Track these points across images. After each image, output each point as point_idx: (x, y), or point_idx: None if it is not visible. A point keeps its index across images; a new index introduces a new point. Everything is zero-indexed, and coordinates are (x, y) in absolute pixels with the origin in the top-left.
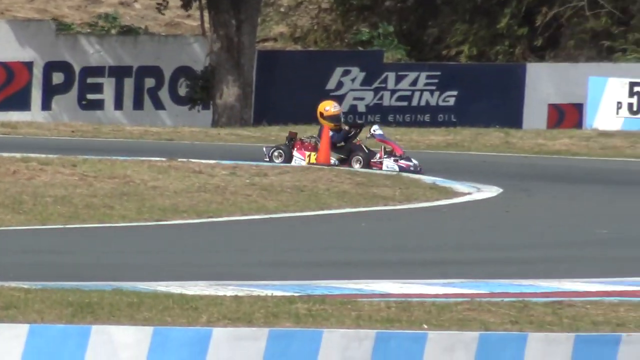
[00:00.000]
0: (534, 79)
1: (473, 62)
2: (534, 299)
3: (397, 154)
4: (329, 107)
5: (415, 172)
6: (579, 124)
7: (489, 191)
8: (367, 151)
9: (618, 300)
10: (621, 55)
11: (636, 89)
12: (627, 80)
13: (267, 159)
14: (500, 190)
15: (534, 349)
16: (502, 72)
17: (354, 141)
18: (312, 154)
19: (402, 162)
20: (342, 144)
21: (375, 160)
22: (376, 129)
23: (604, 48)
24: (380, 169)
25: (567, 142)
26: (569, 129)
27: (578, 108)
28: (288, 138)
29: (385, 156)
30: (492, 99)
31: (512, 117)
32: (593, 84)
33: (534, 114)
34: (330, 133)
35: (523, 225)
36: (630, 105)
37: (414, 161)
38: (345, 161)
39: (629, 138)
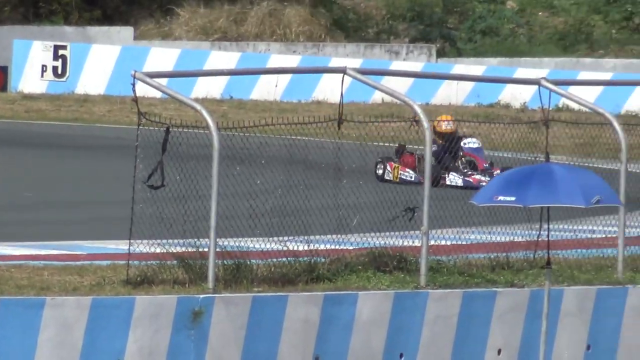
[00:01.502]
0: None
1: None
2: None
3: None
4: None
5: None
6: (4, 86)
7: None
8: None
9: (42, 264)
10: (46, 19)
11: (61, 52)
12: (51, 44)
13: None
14: None
15: None
16: None
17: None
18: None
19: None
20: None
21: None
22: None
23: (30, 11)
24: None
25: None
26: None
27: (3, 70)
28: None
29: None
30: None
31: None
32: (18, 46)
33: None
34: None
35: None
36: (55, 68)
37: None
38: None
39: (54, 101)
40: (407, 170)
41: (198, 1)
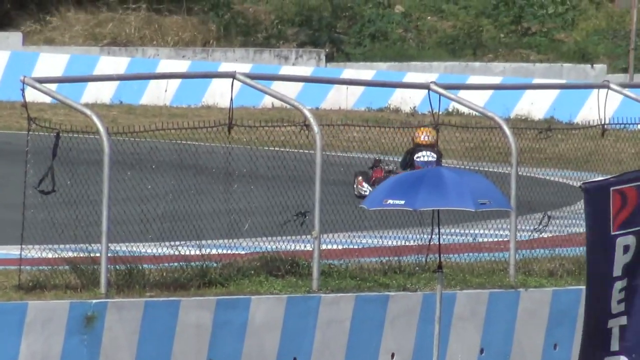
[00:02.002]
0: None
1: None
2: None
3: None
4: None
5: None
6: None
7: None
8: None
9: None
10: None
11: None
12: None
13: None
14: None
15: None
16: None
17: None
18: None
19: None
20: None
21: None
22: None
23: None
24: None
25: None
26: None
27: None
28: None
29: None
30: None
31: None
32: None
33: None
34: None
35: None
36: None
37: None
38: None
39: None
40: (363, 184)
41: (78, 7)
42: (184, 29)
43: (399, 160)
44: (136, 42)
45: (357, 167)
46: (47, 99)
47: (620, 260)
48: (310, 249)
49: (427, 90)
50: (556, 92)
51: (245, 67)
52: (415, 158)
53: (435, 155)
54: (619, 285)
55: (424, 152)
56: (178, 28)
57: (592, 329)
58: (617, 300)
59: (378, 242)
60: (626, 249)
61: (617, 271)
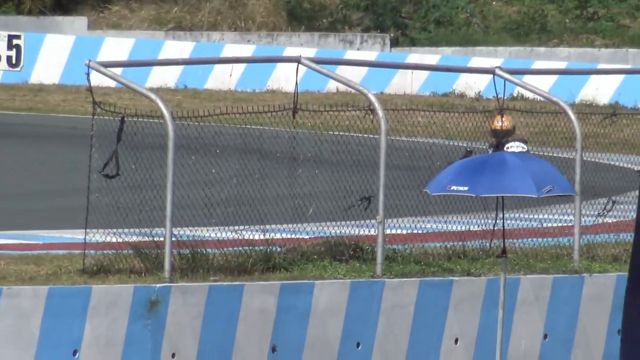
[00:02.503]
0: None
1: None
2: None
3: None
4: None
5: None
6: None
7: None
8: None
9: None
10: (7, 8)
11: (15, 41)
12: (5, 33)
13: None
14: None
15: None
16: None
17: None
18: None
19: None
20: None
21: None
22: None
23: None
24: None
25: None
26: None
27: None
28: None
29: None
30: None
31: None
32: None
33: None
34: None
35: None
36: (9, 58)
37: None
38: None
39: (8, 91)
40: None
41: None
42: (261, 13)
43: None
44: (205, 27)
45: (421, 152)
46: (112, 83)
47: None
48: (374, 234)
49: (492, 75)
50: (621, 77)
51: (310, 52)
52: (505, 148)
53: (525, 147)
54: None
55: (513, 143)
56: (259, 14)
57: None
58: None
59: (442, 227)
60: None
61: None
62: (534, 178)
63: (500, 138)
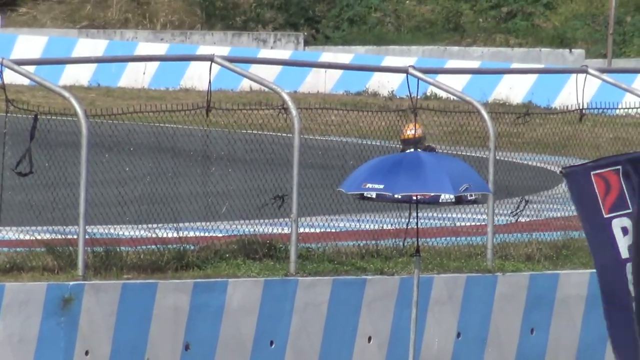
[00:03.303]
0: None
1: None
2: None
3: None
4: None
5: None
6: None
7: None
8: None
9: None
10: None
11: None
12: None
13: None
14: None
15: None
16: None
17: None
18: None
19: None
20: None
21: None
22: None
23: None
24: None
25: None
26: None
27: None
28: None
29: None
30: None
31: None
32: None
33: None
34: None
35: None
36: None
37: None
38: None
39: None
40: None
41: None
42: (169, 12)
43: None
44: (116, 25)
45: (335, 151)
46: (26, 81)
47: (623, 242)
48: (288, 232)
49: (405, 74)
50: (534, 76)
51: (223, 51)
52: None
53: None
54: (629, 267)
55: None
56: (165, 12)
57: (617, 316)
58: (632, 283)
59: (355, 225)
60: (625, 230)
61: (624, 253)
62: (450, 177)
63: (410, 146)
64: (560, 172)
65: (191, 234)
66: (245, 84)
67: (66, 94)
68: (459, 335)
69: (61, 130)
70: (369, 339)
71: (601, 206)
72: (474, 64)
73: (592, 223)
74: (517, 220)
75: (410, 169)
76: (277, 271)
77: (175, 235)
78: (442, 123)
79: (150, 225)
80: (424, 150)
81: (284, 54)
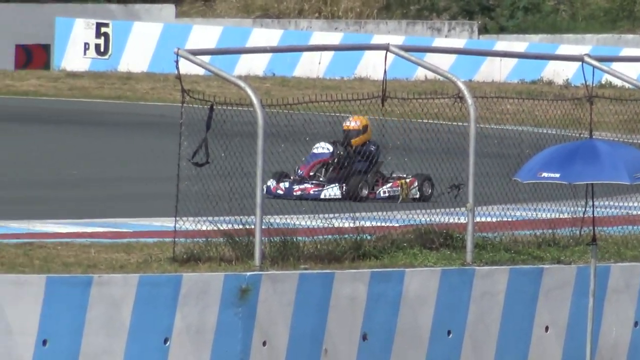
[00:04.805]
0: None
1: None
2: (4, 241)
3: None
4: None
5: None
6: (47, 64)
7: None
8: None
9: (89, 241)
10: None
11: (103, 29)
12: (94, 21)
13: None
14: None
15: (4, 291)
16: None
17: None
18: None
19: None
20: None
21: None
22: None
23: None
24: None
25: (35, 83)
26: (37, 70)
27: (46, 49)
28: None
29: None
30: None
31: None
32: (60, 24)
33: (0, 54)
34: None
35: None
36: (97, 46)
37: None
38: None
39: (97, 79)
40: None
41: None
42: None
43: None
44: (291, 15)
45: (510, 140)
46: (201, 71)
47: None
48: (464, 222)
49: (580, 63)
50: None
51: (398, 40)
52: (312, 149)
53: (330, 148)
54: None
55: (320, 144)
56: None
57: None
58: None
59: (532, 214)
60: None
61: None
62: (625, 165)
63: (349, 138)
64: None
65: (368, 223)
66: (420, 73)
67: (242, 83)
68: (636, 324)
69: (237, 120)
70: (546, 328)
71: None
72: None
73: None
74: None
75: (586, 157)
76: (453, 261)
77: (352, 225)
78: (618, 111)
79: (327, 216)
80: (362, 146)
81: (459, 42)
